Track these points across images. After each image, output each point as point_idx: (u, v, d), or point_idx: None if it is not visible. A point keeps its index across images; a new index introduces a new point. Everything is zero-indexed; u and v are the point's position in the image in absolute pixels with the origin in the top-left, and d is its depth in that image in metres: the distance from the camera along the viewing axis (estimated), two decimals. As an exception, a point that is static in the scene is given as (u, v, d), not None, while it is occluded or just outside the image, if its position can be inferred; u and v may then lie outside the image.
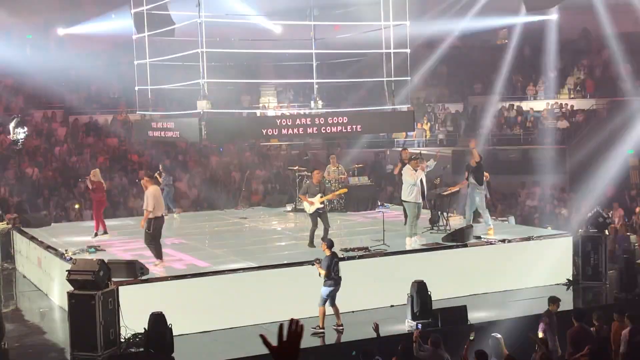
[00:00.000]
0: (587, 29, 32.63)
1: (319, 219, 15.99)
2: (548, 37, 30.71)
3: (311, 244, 15.99)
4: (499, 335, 11.54)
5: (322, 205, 15.98)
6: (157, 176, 18.54)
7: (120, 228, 19.37)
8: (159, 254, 14.69)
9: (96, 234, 17.89)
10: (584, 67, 32.36)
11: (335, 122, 15.21)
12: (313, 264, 13.56)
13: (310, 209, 16.03)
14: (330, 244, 13.61)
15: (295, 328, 4.03)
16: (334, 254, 13.53)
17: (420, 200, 16.19)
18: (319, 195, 15.92)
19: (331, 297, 13.47)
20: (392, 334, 13.32)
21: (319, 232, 15.92)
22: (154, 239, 14.73)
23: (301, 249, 16.25)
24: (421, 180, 16.15)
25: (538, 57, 32.15)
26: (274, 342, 4.02)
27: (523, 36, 31.19)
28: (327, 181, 21.28)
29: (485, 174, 17.31)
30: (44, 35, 31.85)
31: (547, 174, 27.56)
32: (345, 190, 19.54)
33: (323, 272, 13.31)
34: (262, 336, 4.05)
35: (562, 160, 28.65)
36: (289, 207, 21.99)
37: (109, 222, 18.66)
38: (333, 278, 13.38)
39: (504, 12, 30.83)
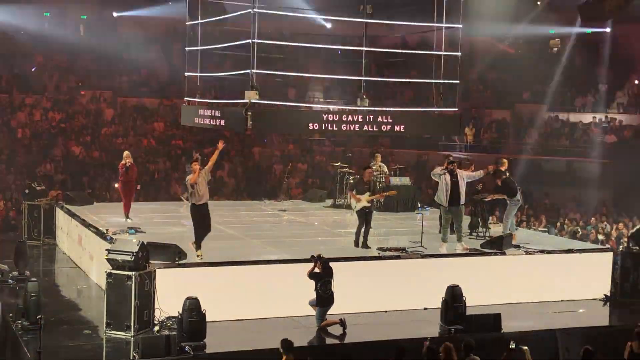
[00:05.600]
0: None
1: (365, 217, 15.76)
2: (601, 49, 30.30)
3: (356, 244, 15.71)
4: (525, 348, 11.40)
5: (369, 204, 15.73)
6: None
7: (162, 212, 19.60)
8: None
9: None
10: (636, 83, 31.85)
11: (380, 120, 15.16)
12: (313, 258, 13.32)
13: (357, 206, 15.82)
14: (325, 264, 13.23)
15: None
16: (324, 273, 13.14)
17: (445, 204, 15.82)
18: (367, 193, 15.73)
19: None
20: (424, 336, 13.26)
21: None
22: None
23: (338, 245, 16.25)
24: (456, 183, 15.89)
25: (589, 70, 31.72)
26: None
27: (575, 47, 30.81)
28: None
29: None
30: (98, 16, 32.24)
31: (591, 187, 27.21)
32: (395, 192, 18.99)
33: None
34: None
35: (608, 174, 28.24)
36: (328, 203, 21.99)
37: (152, 205, 18.83)
38: (319, 296, 13.18)
39: (558, 22, 30.49)
